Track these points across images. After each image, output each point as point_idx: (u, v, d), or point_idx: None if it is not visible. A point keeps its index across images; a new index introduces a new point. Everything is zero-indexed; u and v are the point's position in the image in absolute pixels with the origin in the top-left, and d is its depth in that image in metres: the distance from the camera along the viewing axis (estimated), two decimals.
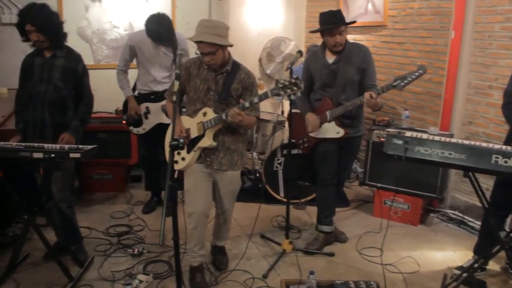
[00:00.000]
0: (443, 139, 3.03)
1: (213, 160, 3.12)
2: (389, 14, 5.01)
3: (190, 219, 3.13)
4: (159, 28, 3.96)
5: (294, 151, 4.04)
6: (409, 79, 3.07)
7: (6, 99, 4.56)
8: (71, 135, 3.20)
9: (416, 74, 3.06)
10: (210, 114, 3.03)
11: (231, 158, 3.16)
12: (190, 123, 3.13)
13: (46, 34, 3.13)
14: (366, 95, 3.17)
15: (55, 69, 3.23)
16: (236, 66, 3.09)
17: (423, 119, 4.69)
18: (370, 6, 5.26)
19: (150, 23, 4.00)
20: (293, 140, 3.69)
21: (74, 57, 3.32)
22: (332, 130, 3.53)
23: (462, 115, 4.33)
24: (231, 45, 2.97)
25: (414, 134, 3.18)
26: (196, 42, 2.89)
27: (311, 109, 3.63)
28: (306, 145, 3.71)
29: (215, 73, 3.05)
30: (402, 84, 3.08)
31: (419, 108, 4.73)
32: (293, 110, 3.50)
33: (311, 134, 3.62)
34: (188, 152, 3.12)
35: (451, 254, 3.75)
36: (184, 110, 3.34)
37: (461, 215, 4.32)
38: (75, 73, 3.29)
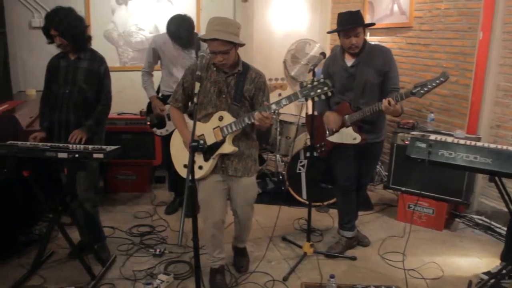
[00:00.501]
0: (468, 142, 2.97)
1: (228, 165, 3.03)
2: (415, 15, 4.93)
3: (207, 228, 3.11)
4: (180, 29, 3.99)
5: (317, 154, 4.01)
6: (429, 86, 2.94)
7: (34, 101, 4.67)
8: (81, 131, 3.23)
9: (437, 81, 2.92)
10: (228, 118, 2.91)
11: (245, 164, 3.07)
12: (204, 129, 2.98)
13: (69, 39, 3.21)
14: (384, 102, 3.05)
15: (79, 71, 3.30)
16: (246, 66, 3.01)
17: (449, 122, 4.59)
18: (395, 8, 5.20)
19: (170, 24, 4.04)
20: (312, 143, 3.63)
21: (97, 60, 3.38)
22: (349, 136, 3.43)
23: (490, 118, 4.22)
24: (244, 44, 2.89)
25: (438, 137, 3.14)
26: (208, 40, 2.79)
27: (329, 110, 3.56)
28: (323, 149, 3.64)
29: (226, 75, 2.96)
30: (421, 91, 2.96)
31: (445, 111, 4.64)
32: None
33: (328, 138, 3.55)
34: (206, 160, 2.99)
35: (476, 260, 3.65)
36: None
37: (488, 220, 4.21)
38: (98, 74, 3.34)
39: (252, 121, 2.82)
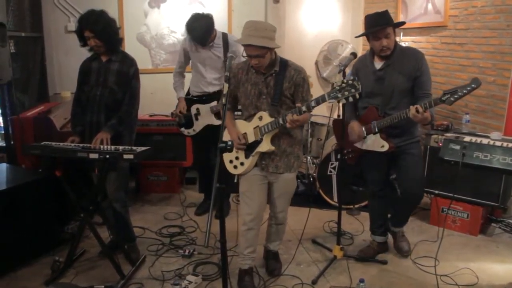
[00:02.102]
0: (505, 144, 2.87)
1: (269, 163, 3.10)
2: (450, 14, 4.80)
3: (244, 221, 3.15)
4: (193, 25, 3.96)
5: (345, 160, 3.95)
6: (460, 93, 2.80)
7: (69, 103, 4.76)
8: (104, 132, 3.22)
9: (468, 88, 2.78)
10: (266, 118, 3.00)
11: (287, 161, 3.12)
12: (246, 128, 3.11)
13: (103, 40, 3.25)
14: (412, 109, 2.91)
15: (110, 73, 3.34)
16: (284, 64, 3.03)
17: (485, 123, 4.45)
18: (430, 6, 5.08)
19: (187, 23, 4.03)
20: (339, 148, 3.54)
21: (128, 62, 3.41)
22: (377, 143, 3.31)
23: None
24: (278, 47, 2.93)
25: (473, 139, 3.03)
26: (244, 45, 2.87)
27: (355, 117, 3.45)
28: (351, 155, 3.55)
29: (264, 76, 3.01)
30: (452, 99, 2.81)
31: (481, 112, 4.50)
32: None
33: (355, 145, 3.46)
34: (247, 157, 3.10)
35: None
36: (239, 113, 3.33)
37: None
38: (127, 76, 3.37)
39: (285, 122, 2.88)
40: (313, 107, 2.85)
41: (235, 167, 3.17)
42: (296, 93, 3.03)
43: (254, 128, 3.05)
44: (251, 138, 3.09)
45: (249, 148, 3.10)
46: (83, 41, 3.32)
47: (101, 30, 3.21)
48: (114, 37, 3.34)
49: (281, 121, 2.91)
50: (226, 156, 3.22)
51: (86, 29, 3.22)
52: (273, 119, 2.97)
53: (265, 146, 3.03)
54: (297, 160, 3.20)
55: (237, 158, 3.15)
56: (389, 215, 3.74)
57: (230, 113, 3.26)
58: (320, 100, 2.82)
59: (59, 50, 5.46)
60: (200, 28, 3.97)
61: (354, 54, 3.45)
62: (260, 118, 3.02)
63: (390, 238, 3.75)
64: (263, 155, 3.09)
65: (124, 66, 3.37)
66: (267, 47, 2.83)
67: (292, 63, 3.06)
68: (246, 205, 3.15)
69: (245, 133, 3.11)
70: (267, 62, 2.93)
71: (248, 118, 3.12)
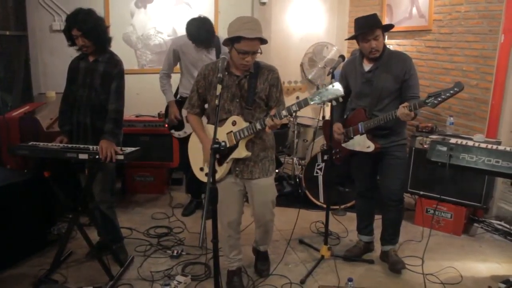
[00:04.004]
0: (489, 146, 2.94)
1: (243, 169, 3.01)
2: (435, 18, 4.90)
3: (223, 228, 3.11)
4: (199, 30, 4.00)
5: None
6: (443, 96, 2.87)
7: (54, 103, 4.74)
8: (107, 141, 3.10)
9: (451, 91, 2.85)
10: (241, 123, 2.90)
11: (261, 165, 3.03)
12: (219, 133, 2.80)
13: (92, 39, 3.18)
14: (401, 109, 2.98)
15: (96, 74, 3.27)
16: (257, 65, 2.94)
17: (468, 126, 4.55)
18: (414, 10, 5.17)
19: (190, 26, 4.05)
20: (326, 147, 3.57)
21: (113, 62, 3.32)
22: (363, 144, 3.35)
23: (510, 122, 4.17)
24: (266, 42, 2.84)
25: (459, 141, 3.10)
26: (246, 40, 2.70)
27: (341, 119, 3.50)
28: (338, 155, 3.61)
29: (238, 78, 2.91)
30: (435, 101, 2.89)
31: (464, 115, 4.59)
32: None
33: (342, 145, 3.50)
34: (220, 164, 2.99)
35: (496, 266, 3.61)
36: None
37: (508, 226, 4.15)
38: (111, 76, 3.29)
39: (264, 127, 2.79)
40: (295, 111, 2.76)
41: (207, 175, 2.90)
42: (270, 94, 2.97)
43: (228, 133, 2.94)
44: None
45: (223, 155, 2.97)
46: (71, 41, 3.25)
47: (89, 29, 3.14)
48: (103, 36, 3.27)
49: (258, 126, 2.81)
50: (198, 164, 3.11)
51: (74, 28, 3.14)
52: (248, 124, 2.87)
53: (241, 152, 2.93)
54: (272, 164, 3.12)
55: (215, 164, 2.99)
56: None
57: (198, 118, 3.13)
58: (302, 104, 2.74)
59: (43, 50, 5.39)
60: (208, 32, 4.01)
61: (342, 57, 3.46)
62: (234, 123, 2.91)
63: (376, 237, 3.77)
64: (237, 161, 3.00)
65: (109, 67, 3.29)
66: (262, 42, 2.78)
67: (264, 63, 2.99)
68: (224, 215, 3.07)
69: (217, 139, 2.79)
70: (255, 58, 2.85)
71: (219, 122, 2.83)
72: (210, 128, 3.02)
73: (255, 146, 3.01)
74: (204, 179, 3.04)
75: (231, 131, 2.93)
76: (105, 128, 3.20)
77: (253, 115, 2.93)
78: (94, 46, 3.24)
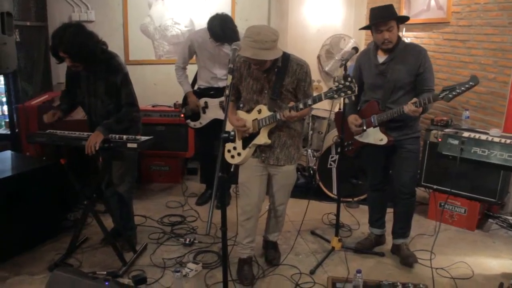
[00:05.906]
0: (503, 140, 2.91)
1: (270, 156, 3.14)
2: (453, 10, 4.83)
3: (243, 211, 3.20)
4: (225, 30, 3.95)
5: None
6: (458, 90, 2.84)
7: None
8: (97, 132, 3.06)
9: (467, 85, 2.82)
10: (265, 111, 3.03)
11: (287, 153, 3.16)
12: (247, 119, 3.13)
13: (80, 61, 3.07)
14: (409, 105, 2.98)
15: (98, 83, 3.24)
16: (286, 58, 3.01)
17: (485, 120, 4.48)
18: (433, 2, 5.10)
19: (214, 25, 3.98)
20: (340, 140, 3.57)
21: (113, 69, 3.22)
22: (376, 137, 3.34)
23: None
24: (279, 55, 2.89)
25: (472, 134, 3.08)
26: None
27: (355, 111, 3.47)
28: (350, 148, 3.61)
29: (266, 71, 3.00)
30: (450, 95, 2.86)
31: (481, 109, 4.53)
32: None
33: (355, 137, 3.51)
34: (244, 148, 3.16)
35: (509, 262, 3.57)
36: (241, 106, 3.33)
37: None
38: (116, 85, 3.24)
39: (282, 118, 2.92)
40: (310, 105, 2.87)
41: (233, 156, 3.22)
42: (298, 87, 3.05)
43: (253, 120, 3.09)
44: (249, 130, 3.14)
45: (247, 140, 3.15)
46: (59, 60, 3.11)
47: (75, 52, 2.99)
48: (91, 55, 3.08)
49: (278, 116, 2.94)
50: (226, 146, 3.24)
51: (60, 50, 3.01)
52: (271, 113, 3.00)
53: (262, 139, 3.07)
54: (298, 152, 3.24)
55: (234, 148, 3.20)
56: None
57: (233, 104, 3.29)
58: (316, 99, 2.85)
59: None
60: (233, 30, 4.00)
61: (356, 49, 3.45)
62: (259, 111, 3.06)
63: (388, 231, 3.78)
64: (263, 147, 3.12)
65: (110, 76, 3.21)
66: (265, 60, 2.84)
67: (295, 57, 3.06)
68: (245, 195, 3.20)
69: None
70: (268, 65, 2.93)
71: (249, 111, 3.15)
72: (240, 113, 3.21)
73: (282, 133, 3.13)
74: (231, 160, 3.26)
75: (256, 119, 3.08)
76: (106, 121, 3.18)
77: (279, 106, 3.03)
78: (84, 64, 3.12)
